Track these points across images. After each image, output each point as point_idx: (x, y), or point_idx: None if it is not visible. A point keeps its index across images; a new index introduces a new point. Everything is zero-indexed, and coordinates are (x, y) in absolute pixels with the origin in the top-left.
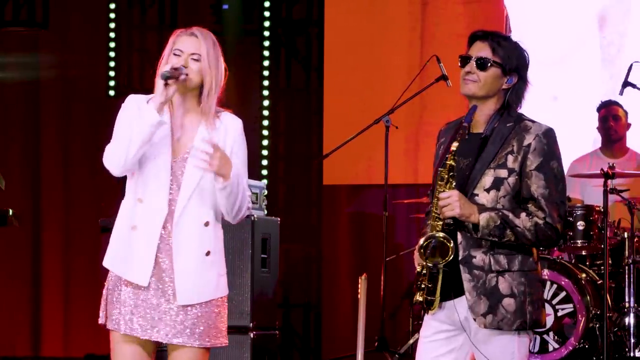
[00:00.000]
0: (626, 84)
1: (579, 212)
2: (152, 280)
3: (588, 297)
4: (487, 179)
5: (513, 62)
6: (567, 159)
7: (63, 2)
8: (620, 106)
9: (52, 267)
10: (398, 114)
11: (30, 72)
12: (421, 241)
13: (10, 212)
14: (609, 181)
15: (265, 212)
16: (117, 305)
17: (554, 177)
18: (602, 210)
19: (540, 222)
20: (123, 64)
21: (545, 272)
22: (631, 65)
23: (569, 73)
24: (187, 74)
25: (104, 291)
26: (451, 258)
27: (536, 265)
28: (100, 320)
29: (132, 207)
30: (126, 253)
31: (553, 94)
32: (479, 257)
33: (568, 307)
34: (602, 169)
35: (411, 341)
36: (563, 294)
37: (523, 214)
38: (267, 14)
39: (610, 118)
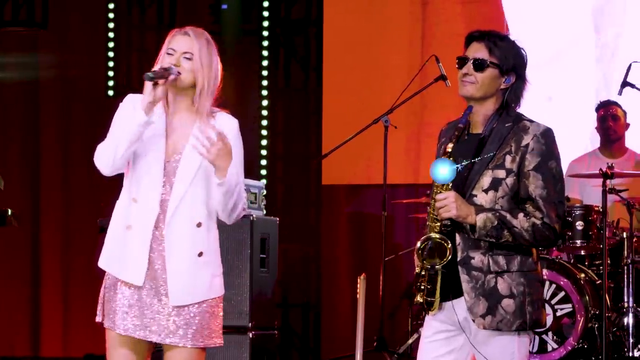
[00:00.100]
0: (625, 84)
1: (577, 212)
2: (147, 280)
3: (587, 297)
4: (486, 180)
5: (510, 62)
6: (562, 159)
7: (62, 2)
8: (619, 106)
9: (51, 267)
10: (397, 113)
11: (29, 72)
12: (418, 243)
13: (10, 212)
14: (608, 181)
15: (264, 212)
16: (112, 304)
17: (552, 177)
18: (601, 210)
19: (538, 222)
20: (122, 64)
21: (544, 272)
22: (630, 65)
23: (563, 73)
24: (179, 73)
25: (102, 289)
26: (449, 259)
27: (536, 266)
28: (98, 319)
29: (127, 207)
30: (121, 253)
31: (547, 94)
32: (477, 258)
33: (567, 307)
34: (600, 169)
35: (410, 341)
36: (562, 293)
37: (521, 215)
38: (265, 13)
39: (609, 118)
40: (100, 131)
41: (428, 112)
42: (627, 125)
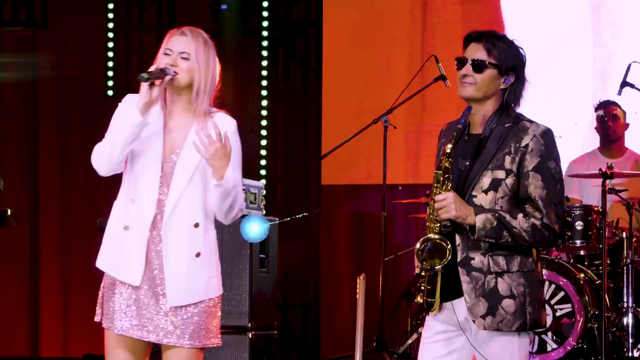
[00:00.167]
0: (624, 84)
1: (577, 212)
2: (144, 280)
3: (586, 297)
4: (485, 180)
5: (509, 62)
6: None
7: (61, 2)
8: (619, 106)
9: (50, 267)
10: (397, 114)
11: (28, 72)
12: (417, 244)
13: (9, 212)
14: (608, 181)
15: (264, 212)
16: (110, 304)
17: (552, 177)
18: (600, 210)
19: (538, 223)
20: (121, 65)
21: (544, 272)
22: (629, 65)
23: (560, 72)
24: (175, 73)
25: (100, 289)
26: (449, 260)
27: (536, 266)
28: (96, 318)
29: (125, 207)
30: (118, 253)
31: (544, 95)
32: (477, 259)
33: (566, 307)
34: (600, 169)
35: (410, 341)
36: (561, 294)
37: (520, 215)
38: (265, 14)
39: (609, 118)
40: (99, 131)
41: (428, 112)
42: (627, 125)
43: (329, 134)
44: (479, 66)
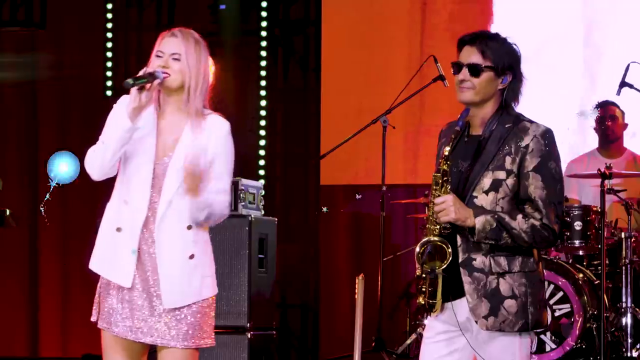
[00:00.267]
0: (623, 84)
1: (576, 213)
2: (138, 282)
3: (585, 297)
4: (486, 181)
5: (505, 62)
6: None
7: (60, 2)
8: (617, 106)
9: (49, 268)
10: (396, 114)
11: (27, 73)
12: (417, 247)
13: (8, 212)
14: (606, 181)
15: (263, 212)
16: (106, 305)
17: (552, 178)
18: (599, 210)
19: (537, 223)
20: (120, 65)
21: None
22: (628, 66)
23: (550, 72)
24: (167, 75)
25: (97, 289)
26: (449, 262)
27: (537, 266)
28: (93, 318)
29: (117, 209)
30: (110, 255)
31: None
32: (479, 260)
33: (565, 308)
34: (599, 169)
35: (408, 341)
36: (560, 294)
37: (519, 216)
38: (264, 14)
39: (608, 118)
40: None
41: (427, 112)
42: (625, 126)
43: (327, 134)
44: (475, 70)
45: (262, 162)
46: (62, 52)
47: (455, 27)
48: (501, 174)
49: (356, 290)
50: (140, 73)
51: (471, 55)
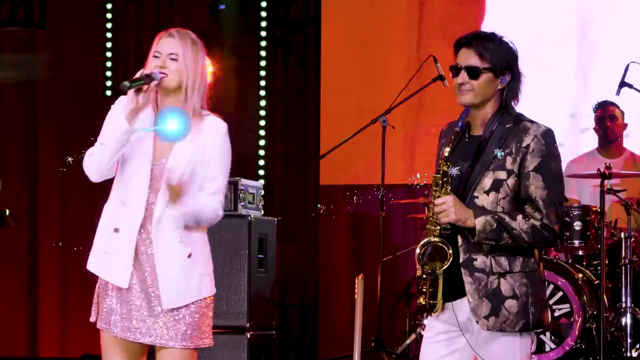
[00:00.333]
0: (623, 84)
1: (575, 213)
2: (136, 282)
3: (585, 297)
4: (487, 181)
5: (503, 62)
6: None
7: (60, 2)
8: (617, 106)
9: (48, 268)
10: (395, 114)
11: (26, 73)
12: (418, 248)
13: (7, 212)
14: (606, 181)
15: (262, 212)
16: (105, 305)
17: (553, 178)
18: (598, 210)
19: (537, 223)
20: (120, 65)
21: None
22: (628, 66)
23: (543, 71)
24: (164, 75)
25: (96, 289)
26: (449, 263)
27: (538, 266)
28: (92, 318)
29: (115, 209)
30: (108, 255)
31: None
32: (480, 260)
33: (565, 308)
34: (598, 169)
35: (408, 341)
36: (560, 294)
37: (519, 217)
38: (264, 14)
39: (607, 118)
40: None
41: (426, 112)
42: (625, 126)
43: (327, 134)
44: (473, 72)
45: (261, 162)
46: (61, 52)
47: (453, 27)
48: (502, 174)
49: (356, 290)
50: (138, 75)
51: (469, 57)
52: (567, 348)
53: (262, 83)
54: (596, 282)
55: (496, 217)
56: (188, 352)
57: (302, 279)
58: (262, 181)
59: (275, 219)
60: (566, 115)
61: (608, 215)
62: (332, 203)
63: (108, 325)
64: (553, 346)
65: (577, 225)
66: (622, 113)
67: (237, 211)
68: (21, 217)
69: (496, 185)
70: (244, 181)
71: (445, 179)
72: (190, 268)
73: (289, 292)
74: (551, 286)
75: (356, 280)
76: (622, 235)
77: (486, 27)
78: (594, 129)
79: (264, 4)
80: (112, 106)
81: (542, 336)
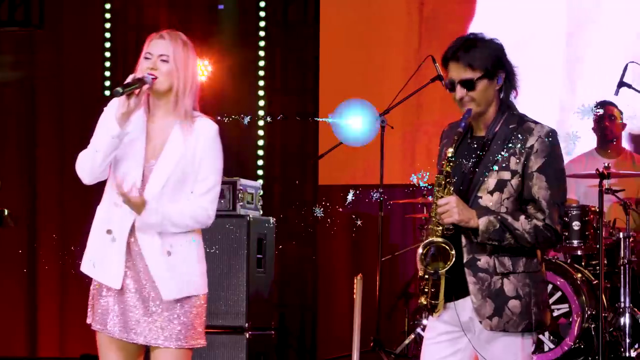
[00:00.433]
0: (621, 84)
1: (574, 213)
2: (130, 282)
3: (583, 297)
4: (491, 182)
5: (493, 63)
6: None
7: (59, 2)
8: (616, 106)
9: (48, 268)
10: (394, 114)
11: (26, 73)
12: (420, 248)
13: (6, 212)
14: (605, 181)
15: (261, 212)
16: (100, 307)
17: (556, 178)
18: (597, 210)
19: (540, 224)
20: (119, 65)
21: None
22: (626, 66)
23: (530, 71)
24: (155, 78)
25: (90, 291)
26: (452, 264)
27: (540, 266)
28: (88, 320)
29: (107, 211)
30: (101, 256)
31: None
32: (483, 260)
33: (563, 307)
34: (597, 169)
35: (407, 341)
36: (559, 294)
37: (522, 217)
38: (262, 14)
39: (606, 118)
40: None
41: (425, 113)
42: (624, 126)
43: (326, 134)
44: (469, 84)
45: (260, 162)
46: (60, 52)
47: (452, 27)
48: (506, 175)
49: (354, 290)
50: (129, 80)
51: (460, 71)
52: (566, 348)
53: (261, 83)
54: (595, 282)
55: (499, 217)
56: (183, 352)
57: (301, 279)
58: (260, 181)
59: (274, 219)
60: (554, 115)
61: (607, 215)
62: (330, 203)
63: (103, 326)
64: (552, 346)
65: (576, 225)
66: (621, 113)
67: (235, 211)
68: (20, 217)
69: (500, 186)
70: (243, 181)
71: (447, 180)
72: (175, 264)
73: (288, 292)
74: (550, 286)
75: (355, 280)
76: (621, 235)
77: (477, 26)
78: (593, 129)
79: (262, 4)
80: (104, 109)
81: (540, 336)
